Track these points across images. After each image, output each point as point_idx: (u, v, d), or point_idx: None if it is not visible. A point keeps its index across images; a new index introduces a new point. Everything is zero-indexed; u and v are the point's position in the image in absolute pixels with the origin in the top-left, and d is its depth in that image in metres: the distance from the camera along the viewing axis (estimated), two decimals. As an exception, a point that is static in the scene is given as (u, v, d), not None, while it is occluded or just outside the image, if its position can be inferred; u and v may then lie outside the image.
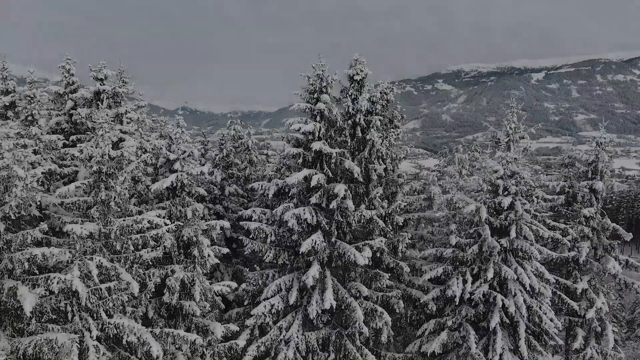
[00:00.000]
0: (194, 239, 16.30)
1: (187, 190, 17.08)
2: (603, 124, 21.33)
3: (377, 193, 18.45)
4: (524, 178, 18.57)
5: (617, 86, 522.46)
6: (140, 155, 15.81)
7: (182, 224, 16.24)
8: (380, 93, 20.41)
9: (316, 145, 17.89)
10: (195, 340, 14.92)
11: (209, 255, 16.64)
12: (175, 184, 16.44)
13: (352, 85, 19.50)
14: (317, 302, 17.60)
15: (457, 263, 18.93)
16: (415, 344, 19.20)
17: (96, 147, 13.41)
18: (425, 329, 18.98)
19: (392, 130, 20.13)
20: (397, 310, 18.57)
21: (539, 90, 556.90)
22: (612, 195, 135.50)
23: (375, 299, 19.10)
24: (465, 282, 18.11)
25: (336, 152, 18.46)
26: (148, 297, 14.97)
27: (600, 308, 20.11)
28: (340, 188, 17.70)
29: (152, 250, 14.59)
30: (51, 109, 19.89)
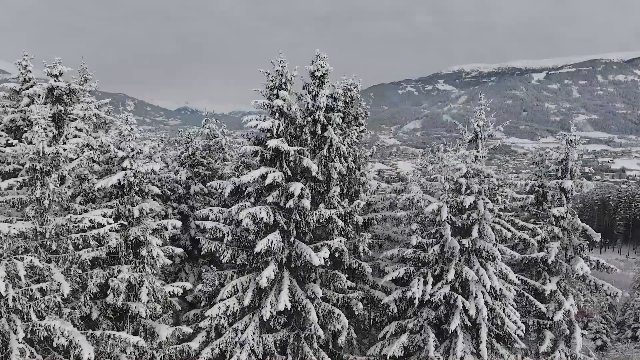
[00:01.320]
0: (141, 238, 15.84)
1: (138, 189, 16.64)
2: (573, 122, 20.82)
3: (335, 192, 17.96)
4: (488, 176, 18.08)
5: (618, 86, 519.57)
6: (84, 153, 15.35)
7: (127, 223, 15.78)
8: (343, 90, 19.92)
9: (272, 143, 17.44)
10: (137, 342, 14.48)
11: (158, 255, 16.18)
12: (122, 182, 15.98)
13: (314, 81, 19.04)
14: (271, 303, 17.15)
15: (420, 264, 18.46)
16: (376, 346, 18.73)
17: (30, 144, 12.96)
18: (387, 332, 18.51)
19: (354, 127, 19.62)
20: (356, 312, 18.08)
21: (540, 90, 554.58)
22: (609, 195, 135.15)
23: (336, 300, 18.61)
24: (425, 283, 17.63)
25: (294, 150, 18.00)
26: (88, 298, 14.50)
27: (569, 310, 19.56)
28: (296, 187, 17.25)
29: (92, 250, 14.15)
30: (7, 106, 19.50)
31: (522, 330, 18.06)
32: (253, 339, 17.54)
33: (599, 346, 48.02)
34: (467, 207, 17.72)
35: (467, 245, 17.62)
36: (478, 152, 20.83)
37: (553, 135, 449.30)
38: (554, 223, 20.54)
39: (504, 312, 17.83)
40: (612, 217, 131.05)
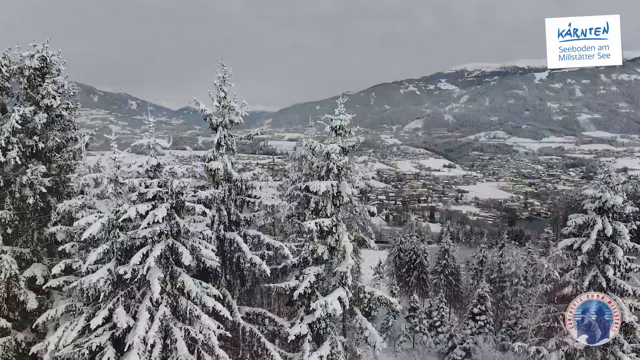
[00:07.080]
0: None
1: None
2: (342, 101, 15.48)
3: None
4: (172, 174, 12.80)
5: (621, 85, 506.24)
6: None
7: None
8: (27, 57, 14.79)
9: None
10: None
11: None
12: None
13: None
14: None
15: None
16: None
17: None
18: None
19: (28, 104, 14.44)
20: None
21: (543, 89, 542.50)
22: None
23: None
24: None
25: None
26: None
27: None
28: None
29: None
30: None
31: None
32: None
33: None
34: (142, 215, 12.51)
35: (128, 274, 12.35)
36: (222, 144, 15.67)
37: (555, 134, 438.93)
38: (316, 239, 15.19)
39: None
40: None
